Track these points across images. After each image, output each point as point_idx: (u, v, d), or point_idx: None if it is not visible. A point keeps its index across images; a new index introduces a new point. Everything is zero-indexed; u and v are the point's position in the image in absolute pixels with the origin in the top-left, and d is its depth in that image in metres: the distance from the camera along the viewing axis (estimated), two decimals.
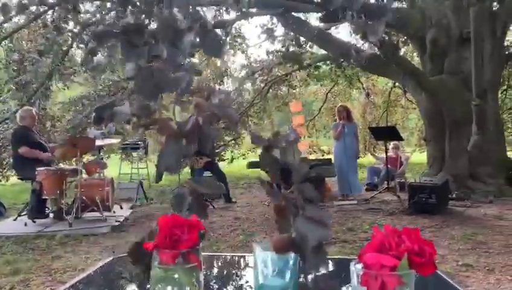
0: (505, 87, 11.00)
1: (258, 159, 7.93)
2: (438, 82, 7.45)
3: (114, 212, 6.20)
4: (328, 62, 11.70)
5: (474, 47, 6.15)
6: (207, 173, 7.65)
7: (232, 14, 10.29)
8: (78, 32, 8.47)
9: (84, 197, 5.64)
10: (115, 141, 7.07)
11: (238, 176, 11.51)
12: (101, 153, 6.82)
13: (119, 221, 5.70)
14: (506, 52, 8.30)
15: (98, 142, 6.52)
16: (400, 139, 7.99)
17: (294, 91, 14.94)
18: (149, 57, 0.90)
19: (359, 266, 0.70)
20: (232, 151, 13.74)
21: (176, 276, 0.78)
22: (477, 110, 6.32)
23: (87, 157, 7.45)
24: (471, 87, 7.11)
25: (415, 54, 12.02)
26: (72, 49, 9.52)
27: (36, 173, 5.45)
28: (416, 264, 0.65)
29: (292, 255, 0.90)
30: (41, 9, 7.99)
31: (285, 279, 0.92)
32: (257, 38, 13.40)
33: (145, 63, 0.89)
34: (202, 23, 0.93)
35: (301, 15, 9.18)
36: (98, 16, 7.25)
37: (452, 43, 7.49)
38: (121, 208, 6.71)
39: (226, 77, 14.83)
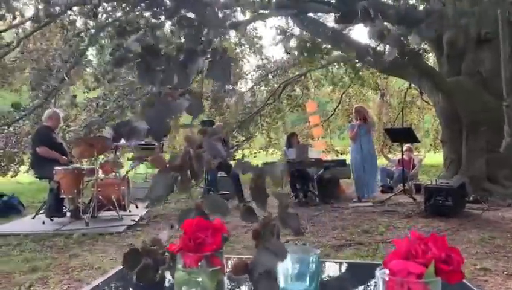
0: None
1: (272, 160, 7.93)
2: (455, 83, 7.35)
3: (130, 211, 6.27)
4: (342, 64, 11.64)
5: (502, 46, 6.04)
6: (221, 174, 7.69)
7: (247, 15, 10.31)
8: (94, 34, 8.59)
9: (100, 197, 5.71)
10: (131, 141, 7.12)
11: (250, 175, 11.51)
12: (117, 153, 6.90)
13: (134, 220, 5.75)
14: None
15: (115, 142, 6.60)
16: (416, 140, 7.92)
17: (308, 92, 14.91)
18: (161, 83, 0.92)
19: (384, 272, 0.69)
20: (243, 150, 13.77)
21: (200, 279, 0.78)
22: (509, 111, 6.21)
23: (104, 157, 7.53)
24: (489, 88, 7.01)
25: (430, 54, 11.89)
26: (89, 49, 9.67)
27: (54, 172, 5.54)
28: (444, 272, 0.64)
29: (313, 258, 0.91)
30: (59, 10, 8.12)
31: (306, 282, 0.93)
32: (272, 39, 13.30)
33: (157, 88, 0.92)
34: (214, 48, 0.95)
35: (318, 15, 9.15)
36: (116, 14, 7.32)
37: (469, 44, 7.38)
38: (137, 207, 6.78)
39: (239, 79, 14.85)
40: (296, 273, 0.95)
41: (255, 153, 14.68)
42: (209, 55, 0.96)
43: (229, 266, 1.31)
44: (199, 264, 0.78)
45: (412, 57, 7.55)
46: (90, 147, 5.83)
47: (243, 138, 12.39)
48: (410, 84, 13.16)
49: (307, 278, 0.94)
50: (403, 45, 7.50)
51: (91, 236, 4.88)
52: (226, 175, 7.65)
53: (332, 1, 7.31)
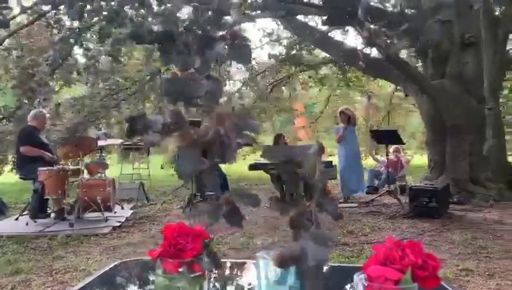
0: (506, 92, 10.98)
1: (259, 161, 7.94)
2: (438, 86, 7.45)
3: (115, 212, 6.21)
4: (330, 65, 11.71)
5: (485, 51, 6.16)
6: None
7: (235, 17, 10.30)
8: (79, 32, 8.48)
9: (85, 198, 5.65)
10: (117, 141, 7.09)
11: (239, 178, 11.52)
12: (103, 154, 6.84)
13: (120, 221, 5.71)
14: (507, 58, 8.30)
15: (100, 143, 6.55)
16: (401, 143, 8.00)
17: (296, 93, 14.96)
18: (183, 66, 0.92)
19: (363, 277, 0.70)
20: None
21: (180, 285, 0.78)
22: (490, 113, 6.33)
23: (89, 158, 7.45)
24: (472, 91, 7.13)
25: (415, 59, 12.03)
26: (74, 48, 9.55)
27: (38, 172, 5.46)
28: (420, 278, 0.65)
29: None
30: (45, 8, 8.01)
31: (287, 286, 0.93)
32: (259, 41, 13.28)
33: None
34: (232, 31, 0.95)
35: (307, 18, 9.20)
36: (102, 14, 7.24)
37: (454, 48, 7.49)
38: (122, 208, 6.72)
39: (227, 80, 14.81)
40: (279, 277, 0.95)
41: (243, 156, 14.66)
42: (228, 37, 0.96)
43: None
44: (179, 270, 0.78)
45: (399, 62, 7.65)
46: (75, 147, 5.77)
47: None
48: (396, 87, 13.29)
49: (288, 282, 0.94)
50: (390, 49, 7.60)
51: (75, 237, 4.83)
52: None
53: (320, 4, 7.38)
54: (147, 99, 12.37)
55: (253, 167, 7.32)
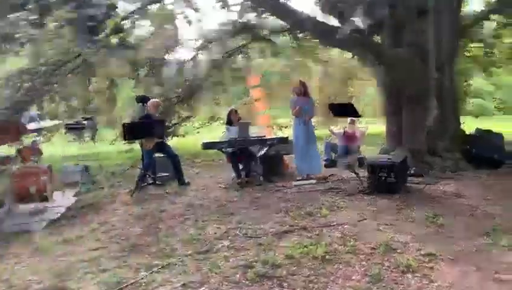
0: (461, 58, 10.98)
1: (212, 140, 7.53)
2: (395, 55, 7.22)
3: (55, 201, 5.68)
4: (285, 34, 11.25)
5: (434, 19, 5.93)
6: (159, 154, 7.18)
7: None
8: None
9: (17, 188, 5.07)
10: (53, 122, 6.44)
11: (194, 153, 11.06)
12: (39, 138, 6.18)
13: (59, 213, 5.20)
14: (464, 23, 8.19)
15: (33, 125, 5.90)
16: (358, 116, 7.79)
17: (252, 63, 14.42)
18: None
19: None
20: (185, 125, 13.16)
21: None
22: (438, 83, 6.16)
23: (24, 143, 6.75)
24: (429, 60, 6.95)
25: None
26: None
27: None
28: None
29: None
30: None
31: None
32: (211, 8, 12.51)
33: None
34: None
35: None
36: None
37: (410, 16, 7.24)
38: (64, 195, 6.17)
39: (179, 47, 14.02)
40: None
41: (198, 128, 14.13)
42: None
43: None
44: None
45: (355, 31, 7.33)
46: (3, 132, 5.13)
47: (185, 114, 11.77)
48: (353, 56, 13.06)
49: None
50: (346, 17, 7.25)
51: (3, 237, 4.29)
52: (163, 156, 7.16)
53: None
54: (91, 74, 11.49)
55: (206, 145, 6.90)
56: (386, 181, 5.65)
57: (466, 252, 3.46)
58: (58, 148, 9.33)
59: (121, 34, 9.77)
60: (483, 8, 9.97)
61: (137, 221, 4.86)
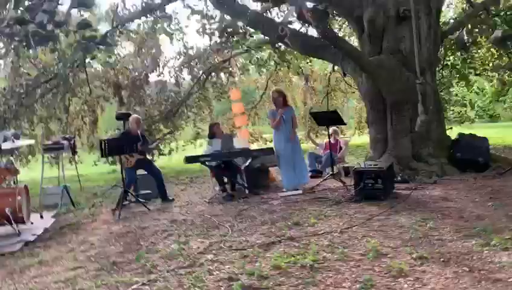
0: (441, 66, 11.11)
1: (196, 154, 7.40)
2: (376, 62, 7.22)
3: (32, 223, 5.44)
4: (265, 47, 11.27)
5: (414, 25, 5.94)
6: (140, 172, 7.00)
7: None
8: None
9: None
10: (27, 142, 6.23)
11: (179, 170, 10.88)
12: (13, 157, 5.96)
13: (35, 234, 4.96)
14: (442, 30, 8.27)
15: (7, 145, 5.70)
16: (342, 123, 7.76)
17: (234, 79, 14.40)
18: None
19: None
20: (170, 143, 13.03)
21: None
22: (422, 89, 6.14)
23: None
24: (410, 66, 6.96)
25: (353, 37, 11.90)
26: None
27: None
28: None
29: None
30: None
31: None
32: (187, 21, 12.48)
33: None
34: None
35: None
36: None
37: (389, 22, 7.29)
38: (41, 217, 5.93)
39: (160, 66, 13.94)
40: None
41: (183, 145, 13.97)
42: None
43: None
44: None
45: (335, 39, 7.34)
46: None
47: (166, 130, 11.60)
48: (333, 68, 13.13)
49: None
50: (325, 24, 7.26)
51: None
52: (146, 173, 6.98)
53: None
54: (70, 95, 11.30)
55: (188, 160, 6.74)
56: (373, 188, 5.57)
57: (458, 254, 3.35)
58: (37, 170, 9.07)
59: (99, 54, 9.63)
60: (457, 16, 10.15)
61: (117, 239, 4.66)
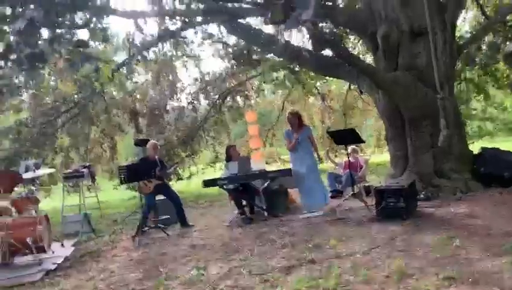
0: (458, 80, 10.93)
1: (214, 177, 7.37)
2: (393, 79, 7.15)
3: (53, 252, 5.46)
4: (280, 69, 11.32)
5: (431, 40, 5.88)
6: (160, 197, 7.02)
7: (178, 24, 9.70)
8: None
9: (12, 240, 4.87)
10: (48, 171, 6.32)
11: (198, 194, 10.87)
12: (34, 187, 6.04)
13: (56, 263, 4.97)
14: (459, 44, 8.16)
15: (29, 175, 5.78)
16: (361, 141, 7.62)
17: (250, 102, 14.49)
18: None
19: None
20: (189, 167, 13.08)
21: None
22: (442, 103, 6.02)
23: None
24: (426, 81, 6.87)
25: (368, 55, 11.86)
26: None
27: None
28: None
29: None
30: None
31: None
32: (205, 47, 12.74)
33: None
34: None
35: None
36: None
37: (404, 38, 7.24)
38: (62, 245, 5.96)
39: (177, 92, 14.14)
40: None
41: (203, 169, 14.02)
42: None
43: None
44: None
45: (350, 57, 7.32)
46: None
47: (184, 154, 11.67)
48: (350, 86, 13.08)
49: None
50: (339, 43, 7.26)
51: None
52: (165, 198, 6.99)
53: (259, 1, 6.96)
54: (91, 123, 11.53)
55: (206, 183, 6.72)
56: (395, 207, 5.43)
57: (487, 273, 3.20)
58: (58, 199, 9.19)
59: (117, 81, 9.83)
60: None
61: (137, 266, 4.64)
